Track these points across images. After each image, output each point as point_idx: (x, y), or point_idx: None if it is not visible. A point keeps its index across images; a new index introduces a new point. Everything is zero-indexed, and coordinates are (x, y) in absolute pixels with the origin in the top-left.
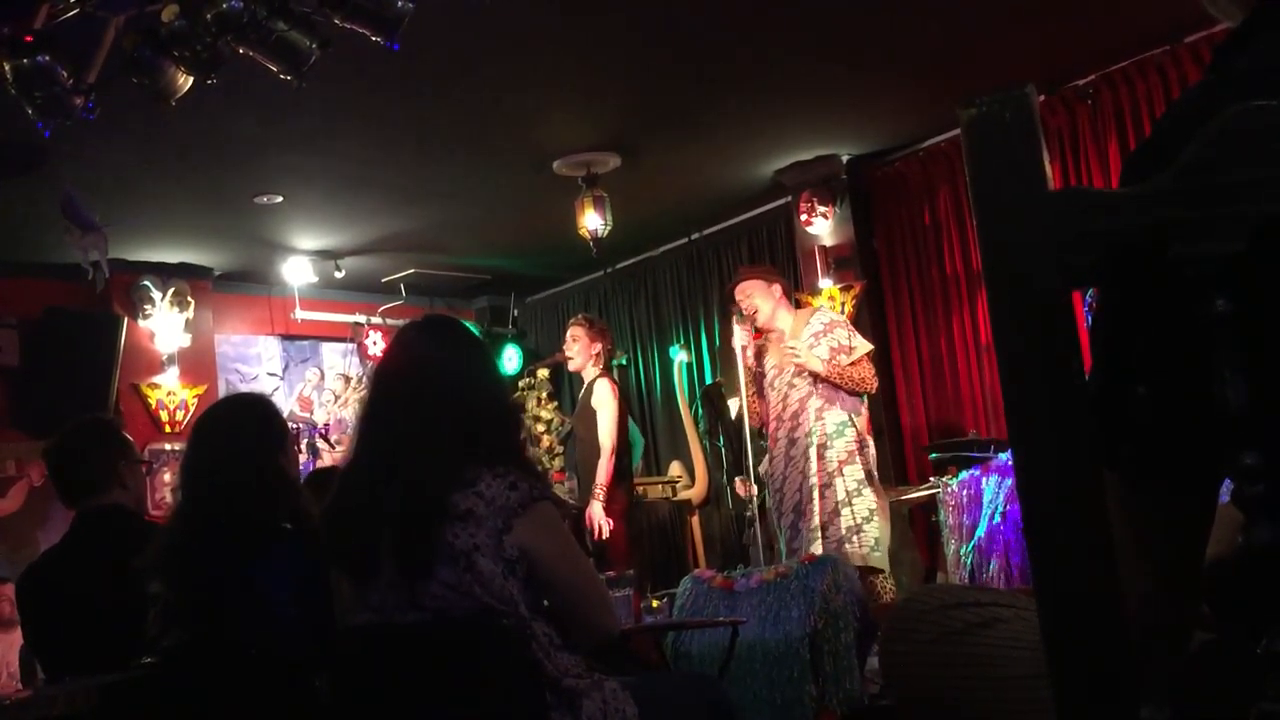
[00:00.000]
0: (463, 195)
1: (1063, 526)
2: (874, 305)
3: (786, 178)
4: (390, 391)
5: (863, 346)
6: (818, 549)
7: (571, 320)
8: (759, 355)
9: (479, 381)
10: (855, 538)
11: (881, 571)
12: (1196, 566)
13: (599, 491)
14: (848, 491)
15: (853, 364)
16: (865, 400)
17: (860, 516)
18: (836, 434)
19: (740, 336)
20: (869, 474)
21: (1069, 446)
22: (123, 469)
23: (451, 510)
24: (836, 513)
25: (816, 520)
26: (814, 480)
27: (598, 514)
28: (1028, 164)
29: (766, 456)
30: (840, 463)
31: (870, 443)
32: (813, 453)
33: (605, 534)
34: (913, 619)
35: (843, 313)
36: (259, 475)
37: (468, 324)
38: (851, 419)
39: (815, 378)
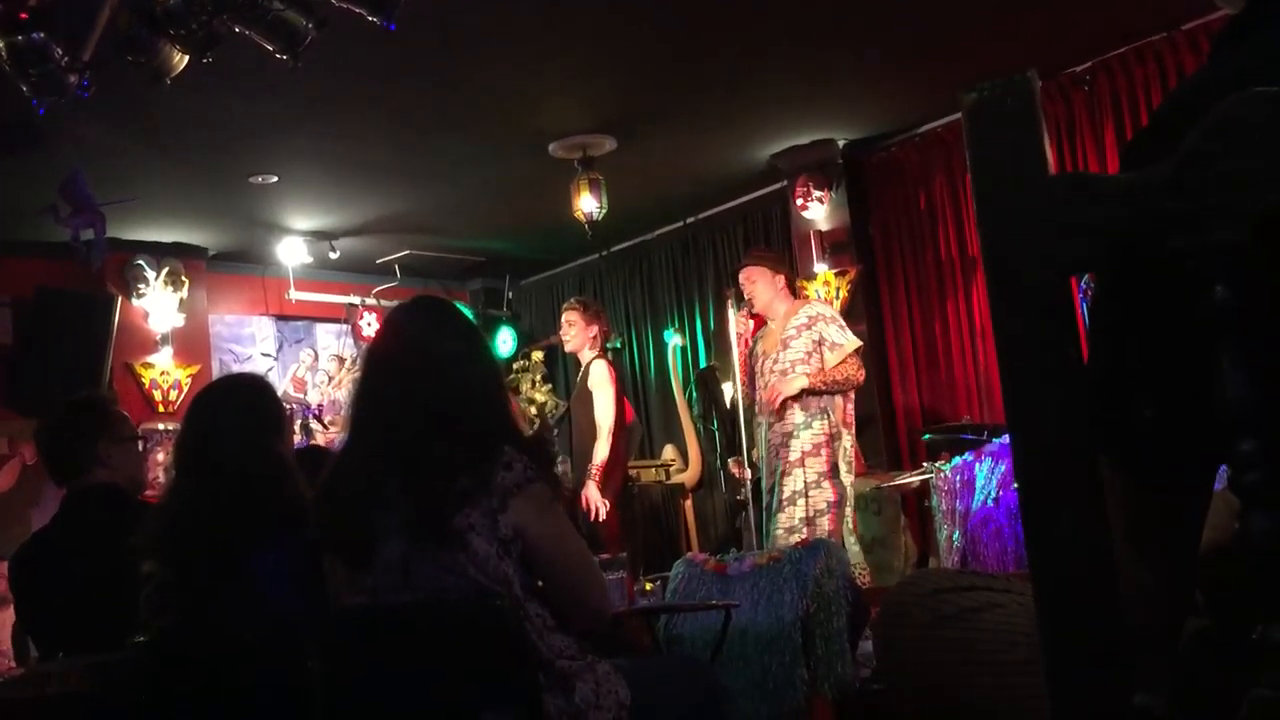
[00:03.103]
0: (458, 177)
1: (1059, 512)
2: (869, 290)
3: (782, 162)
4: (383, 374)
5: (850, 343)
6: (772, 528)
7: (566, 304)
8: (752, 342)
9: (472, 362)
10: (805, 529)
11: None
12: (1192, 553)
13: (595, 472)
14: (806, 483)
15: (838, 364)
16: (842, 398)
17: (815, 509)
18: (804, 426)
19: (737, 324)
20: (834, 467)
21: (1066, 433)
22: (102, 448)
23: (455, 490)
24: (791, 502)
25: (780, 498)
26: (781, 468)
27: (594, 495)
28: (1028, 150)
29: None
30: (804, 454)
31: (845, 435)
32: (779, 440)
33: (602, 515)
34: (907, 603)
35: (838, 297)
36: (253, 456)
37: (459, 305)
38: (827, 411)
39: (790, 364)
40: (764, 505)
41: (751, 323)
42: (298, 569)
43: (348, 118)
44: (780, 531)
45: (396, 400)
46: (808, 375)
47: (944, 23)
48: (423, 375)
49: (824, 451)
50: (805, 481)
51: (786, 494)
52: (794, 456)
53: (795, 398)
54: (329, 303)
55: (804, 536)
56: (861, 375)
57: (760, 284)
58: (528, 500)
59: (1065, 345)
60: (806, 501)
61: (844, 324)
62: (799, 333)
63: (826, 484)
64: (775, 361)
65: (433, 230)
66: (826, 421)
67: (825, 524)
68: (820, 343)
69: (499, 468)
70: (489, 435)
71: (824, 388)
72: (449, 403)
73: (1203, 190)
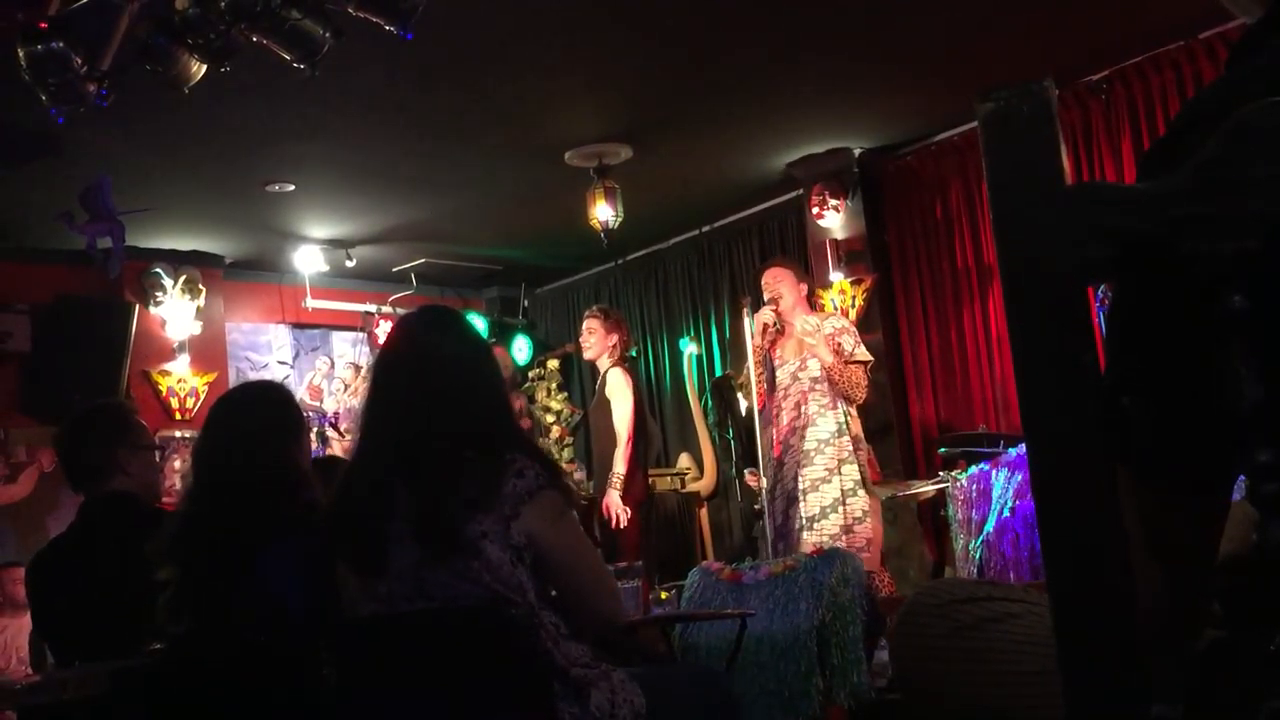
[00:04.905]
0: (474, 185)
1: (1075, 521)
2: (884, 299)
3: (798, 170)
4: (390, 376)
5: (862, 356)
6: (807, 540)
7: (588, 311)
8: (773, 340)
9: (482, 371)
10: (846, 537)
11: (873, 572)
12: (1209, 564)
13: (616, 480)
14: (843, 490)
15: (854, 367)
16: (854, 409)
17: (853, 517)
18: (838, 433)
19: (765, 314)
20: (863, 476)
21: (1083, 442)
22: (122, 456)
23: (465, 498)
24: (833, 509)
25: (809, 513)
26: (809, 475)
27: (615, 503)
28: (1045, 158)
29: (764, 435)
30: (840, 461)
31: (864, 445)
32: (810, 445)
33: (623, 523)
34: (923, 613)
35: (853, 306)
36: (271, 464)
37: (475, 313)
38: (847, 422)
39: (813, 379)
40: (769, 502)
41: (763, 322)
42: (310, 572)
43: (364, 126)
44: (824, 540)
45: (402, 402)
46: (830, 358)
47: (960, 31)
48: (428, 377)
49: (854, 460)
50: (843, 490)
51: (825, 502)
52: (831, 464)
53: (823, 407)
54: (345, 311)
55: (844, 546)
56: (864, 393)
57: (785, 285)
58: (540, 508)
59: (1081, 353)
60: (845, 509)
61: (860, 341)
62: (819, 339)
63: (861, 492)
64: (802, 368)
65: (449, 238)
66: (849, 433)
67: (864, 532)
68: (839, 350)
69: (510, 475)
70: (494, 440)
71: (838, 376)
72: (453, 405)
73: (1220, 197)
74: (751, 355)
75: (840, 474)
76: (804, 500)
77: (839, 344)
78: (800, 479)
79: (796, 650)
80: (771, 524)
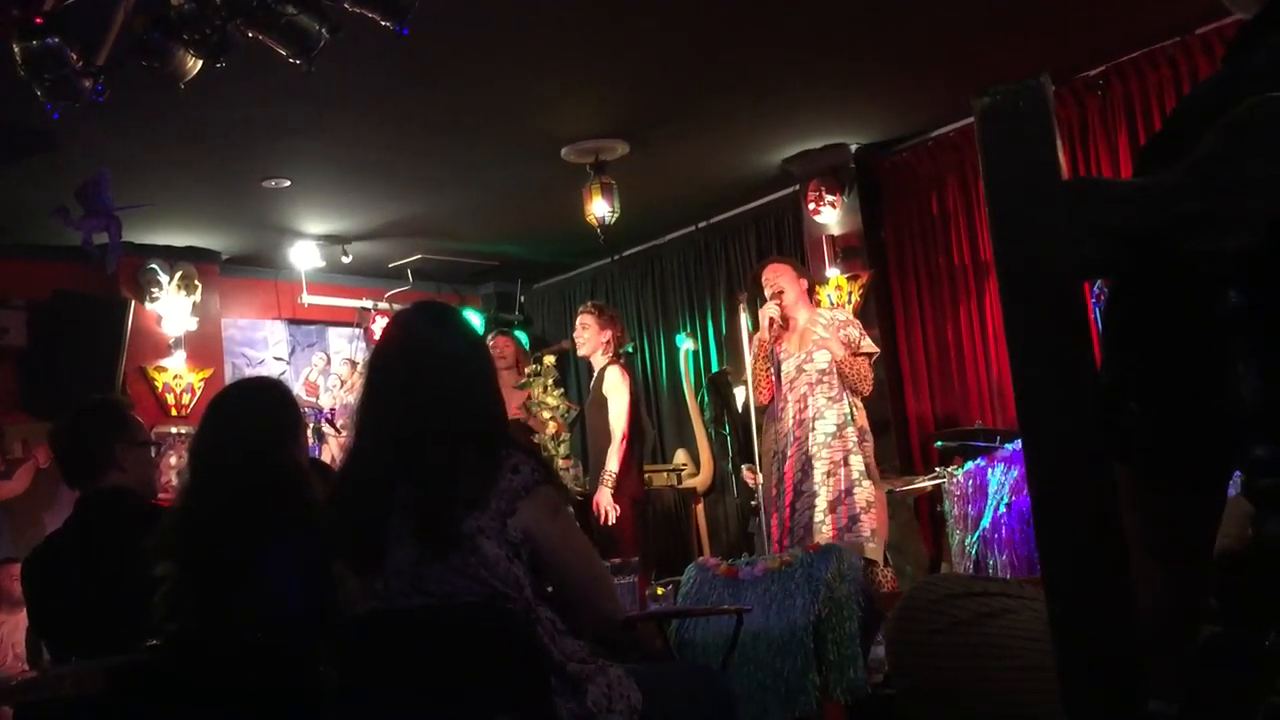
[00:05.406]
0: (471, 181)
1: (1072, 517)
2: (881, 295)
3: (795, 166)
4: (391, 379)
5: (869, 348)
6: (822, 532)
7: (581, 307)
8: (777, 336)
9: (479, 368)
10: (854, 527)
11: (876, 562)
12: (1206, 559)
13: (608, 478)
14: (850, 481)
15: (860, 359)
16: (859, 401)
17: (859, 506)
18: (845, 424)
19: (771, 309)
20: (868, 466)
21: (1079, 438)
22: (119, 452)
23: (463, 495)
24: (840, 501)
25: (823, 504)
26: (820, 466)
27: (605, 500)
28: (1042, 154)
29: (769, 430)
30: (846, 453)
31: (869, 437)
32: (819, 439)
33: (612, 520)
34: (920, 608)
35: (850, 302)
36: (270, 464)
37: (471, 309)
38: (853, 414)
39: (820, 371)
40: (772, 495)
41: (769, 315)
42: (309, 570)
43: (360, 122)
44: (830, 532)
45: (399, 400)
46: (842, 352)
47: (956, 26)
48: (426, 374)
49: (859, 450)
50: (850, 480)
51: (834, 495)
52: (838, 455)
53: (831, 399)
54: (341, 307)
55: (852, 536)
56: (871, 385)
57: (786, 279)
58: (536, 503)
59: (1078, 350)
60: (852, 500)
61: (865, 333)
62: (831, 333)
63: (866, 483)
64: (808, 360)
65: (445, 234)
66: (855, 424)
67: (869, 523)
68: (847, 343)
69: (506, 471)
70: (491, 437)
71: (848, 369)
72: (450, 403)
73: (1218, 194)
74: (756, 350)
75: (847, 465)
76: (815, 493)
77: (846, 336)
78: (810, 471)
79: (793, 646)
80: (773, 519)
